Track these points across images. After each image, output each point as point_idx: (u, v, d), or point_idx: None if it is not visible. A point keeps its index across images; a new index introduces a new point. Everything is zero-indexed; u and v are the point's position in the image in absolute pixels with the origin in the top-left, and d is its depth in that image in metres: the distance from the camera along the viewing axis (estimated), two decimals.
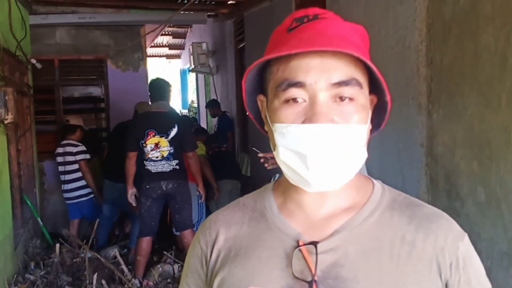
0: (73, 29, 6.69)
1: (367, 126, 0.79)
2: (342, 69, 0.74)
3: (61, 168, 5.67)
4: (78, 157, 5.59)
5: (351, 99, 0.75)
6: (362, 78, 0.77)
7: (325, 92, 0.74)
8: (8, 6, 4.58)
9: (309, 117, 0.74)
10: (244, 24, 6.91)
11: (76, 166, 5.62)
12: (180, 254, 4.88)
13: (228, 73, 8.13)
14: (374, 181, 0.89)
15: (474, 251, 0.85)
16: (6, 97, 3.76)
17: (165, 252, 4.81)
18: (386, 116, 0.84)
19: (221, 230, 0.89)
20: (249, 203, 0.92)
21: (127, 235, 5.75)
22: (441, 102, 2.76)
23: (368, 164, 2.60)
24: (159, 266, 4.60)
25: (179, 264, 4.66)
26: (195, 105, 12.73)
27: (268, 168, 2.86)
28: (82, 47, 6.77)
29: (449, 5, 2.64)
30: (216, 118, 8.08)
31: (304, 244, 0.80)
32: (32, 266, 4.62)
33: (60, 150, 5.67)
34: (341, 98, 0.75)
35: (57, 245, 4.68)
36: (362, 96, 0.77)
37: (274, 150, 0.80)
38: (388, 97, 0.80)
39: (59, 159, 5.66)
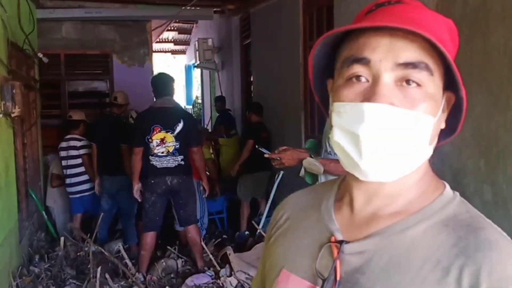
0: (79, 23, 6.71)
1: (435, 120, 0.71)
2: (411, 51, 0.69)
3: (64, 163, 5.68)
4: (82, 151, 5.61)
5: (418, 84, 0.69)
6: (433, 66, 0.70)
7: (390, 73, 0.69)
8: (17, 0, 4.59)
9: (367, 97, 0.69)
10: (251, 21, 6.90)
11: (79, 161, 5.63)
12: (184, 249, 4.90)
13: (234, 69, 8.12)
14: (448, 189, 0.77)
15: None
16: (14, 91, 3.76)
17: (168, 247, 4.82)
18: (462, 116, 0.75)
19: (286, 211, 0.92)
20: (320, 189, 0.92)
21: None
22: None
23: None
24: (162, 261, 4.62)
25: (182, 259, 4.68)
26: (200, 101, 12.73)
27: (276, 166, 2.91)
28: (88, 42, 6.79)
29: (458, 4, 2.63)
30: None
31: (335, 242, 0.77)
32: (36, 259, 4.63)
33: (64, 144, 5.68)
34: (408, 82, 0.69)
35: (62, 239, 4.70)
36: (431, 84, 0.70)
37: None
38: (462, 92, 0.72)
39: (63, 153, 5.66)
